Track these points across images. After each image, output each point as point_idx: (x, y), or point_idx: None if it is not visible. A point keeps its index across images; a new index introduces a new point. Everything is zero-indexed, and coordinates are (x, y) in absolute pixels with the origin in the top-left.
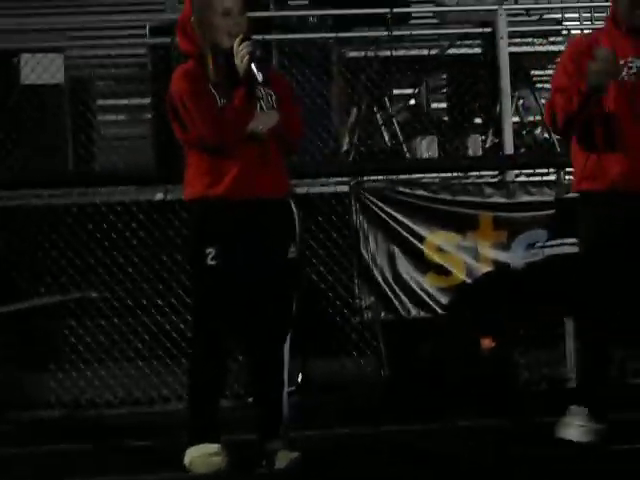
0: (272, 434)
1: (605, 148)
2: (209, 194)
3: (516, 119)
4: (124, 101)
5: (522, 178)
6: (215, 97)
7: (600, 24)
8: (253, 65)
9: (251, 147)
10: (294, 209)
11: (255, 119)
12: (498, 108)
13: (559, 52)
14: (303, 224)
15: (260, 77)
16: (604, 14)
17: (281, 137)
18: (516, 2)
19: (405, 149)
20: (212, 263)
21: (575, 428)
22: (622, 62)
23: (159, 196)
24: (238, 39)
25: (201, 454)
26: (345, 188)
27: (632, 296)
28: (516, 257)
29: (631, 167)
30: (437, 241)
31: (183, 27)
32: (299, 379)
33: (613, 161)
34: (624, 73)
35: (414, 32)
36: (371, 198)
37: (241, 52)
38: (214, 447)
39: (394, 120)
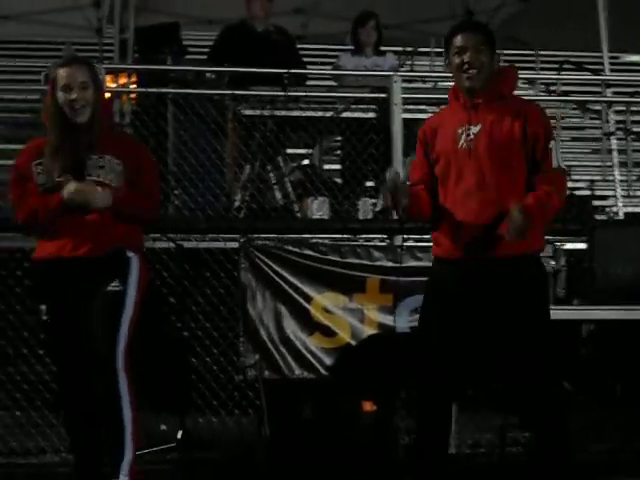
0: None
1: (448, 206)
2: (40, 256)
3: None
4: (14, 146)
5: (410, 243)
6: (32, 176)
7: None
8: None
9: (77, 212)
10: (133, 259)
11: (83, 194)
12: None
13: None
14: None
15: None
16: None
17: (121, 213)
18: (412, 69)
19: (296, 209)
20: (45, 318)
21: None
22: (460, 130)
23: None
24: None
25: None
26: (235, 244)
27: (495, 362)
28: (401, 321)
29: (460, 232)
30: (324, 302)
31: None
32: (179, 435)
33: (455, 226)
34: (462, 141)
35: (310, 93)
36: (260, 256)
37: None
38: None
39: (287, 179)
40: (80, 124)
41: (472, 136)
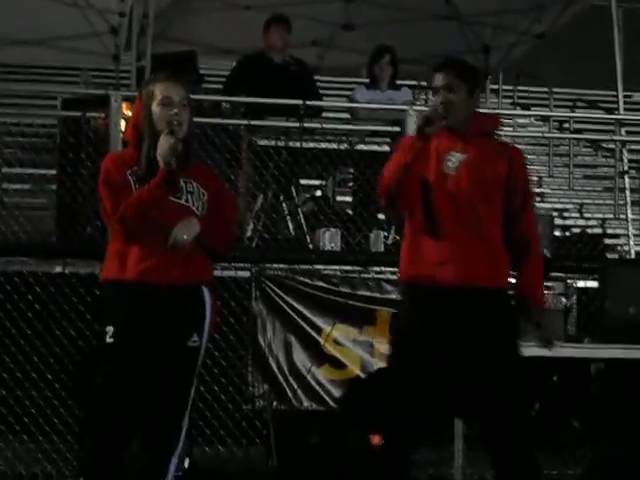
0: None
1: (426, 230)
2: (117, 278)
3: None
4: (30, 170)
5: None
6: (130, 185)
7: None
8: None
9: (161, 235)
10: (207, 298)
11: (176, 227)
12: None
13: None
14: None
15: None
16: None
17: (203, 243)
18: (426, 103)
19: (308, 240)
20: (110, 340)
21: None
22: (444, 155)
23: (58, 269)
24: (165, 132)
25: None
26: (246, 274)
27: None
28: None
29: (447, 261)
30: (334, 334)
31: (135, 120)
32: (186, 464)
33: (430, 253)
34: (445, 166)
35: (325, 125)
36: (271, 286)
37: (162, 146)
38: None
39: (299, 210)
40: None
41: (457, 163)
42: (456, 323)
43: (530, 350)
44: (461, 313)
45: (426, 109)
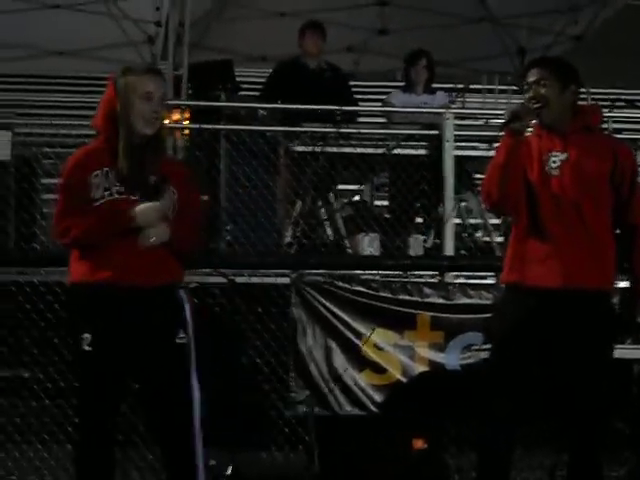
0: None
1: (531, 232)
2: (88, 280)
3: (458, 221)
4: None
5: (461, 280)
6: (89, 191)
7: None
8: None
9: (133, 236)
10: (183, 296)
11: (145, 233)
12: (440, 209)
13: None
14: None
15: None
16: None
17: (170, 246)
18: (463, 106)
19: (347, 245)
20: (87, 349)
21: None
22: (545, 157)
23: None
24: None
25: None
26: (286, 280)
27: (554, 400)
28: (452, 358)
29: (553, 263)
30: (374, 338)
31: (108, 107)
32: (229, 472)
33: (536, 254)
34: (548, 167)
35: (361, 130)
36: (311, 292)
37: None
38: None
39: (337, 215)
40: (148, 136)
41: (559, 162)
42: (556, 324)
43: None
44: (563, 315)
45: (517, 104)
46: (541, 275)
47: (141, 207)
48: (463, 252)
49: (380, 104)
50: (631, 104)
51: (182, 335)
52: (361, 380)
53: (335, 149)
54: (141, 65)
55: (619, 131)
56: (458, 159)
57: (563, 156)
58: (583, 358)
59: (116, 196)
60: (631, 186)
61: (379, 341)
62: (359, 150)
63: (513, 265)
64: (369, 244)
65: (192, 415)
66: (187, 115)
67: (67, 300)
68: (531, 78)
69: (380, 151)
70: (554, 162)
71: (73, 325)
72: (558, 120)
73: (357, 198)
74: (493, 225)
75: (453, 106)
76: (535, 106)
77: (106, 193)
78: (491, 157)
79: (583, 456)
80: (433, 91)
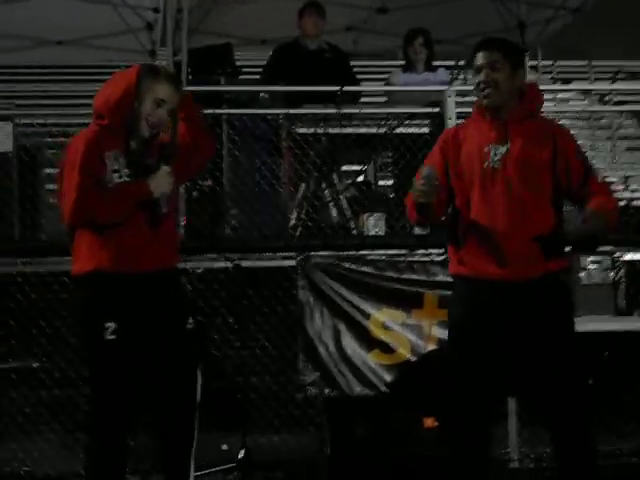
0: None
1: (472, 227)
2: (105, 268)
3: None
4: None
5: None
6: (105, 168)
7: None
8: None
9: (143, 218)
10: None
11: (148, 186)
12: None
13: None
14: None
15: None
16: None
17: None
18: (465, 82)
19: (352, 225)
20: (111, 337)
21: None
22: (486, 149)
23: None
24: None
25: None
26: (292, 263)
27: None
28: None
29: (489, 255)
30: (382, 318)
31: (124, 92)
32: (240, 455)
33: (475, 248)
34: (489, 160)
35: (363, 110)
36: (318, 273)
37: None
38: None
39: (342, 196)
40: (146, 137)
41: (499, 156)
42: (508, 313)
43: (581, 326)
44: (513, 303)
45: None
46: (486, 266)
47: (153, 178)
48: None
49: (382, 83)
50: (633, 76)
51: (191, 321)
52: (370, 360)
53: (337, 130)
54: (167, 70)
55: (621, 103)
56: None
57: (503, 148)
58: (541, 335)
59: (125, 179)
60: (580, 169)
61: (387, 321)
62: (361, 130)
63: (461, 258)
64: (374, 224)
65: (194, 401)
66: None
67: (82, 289)
68: (481, 61)
69: (382, 131)
70: (495, 155)
71: (93, 314)
72: (504, 105)
73: (361, 178)
74: None
75: (454, 83)
76: (486, 91)
77: (115, 175)
78: None
79: (571, 433)
80: (434, 69)
